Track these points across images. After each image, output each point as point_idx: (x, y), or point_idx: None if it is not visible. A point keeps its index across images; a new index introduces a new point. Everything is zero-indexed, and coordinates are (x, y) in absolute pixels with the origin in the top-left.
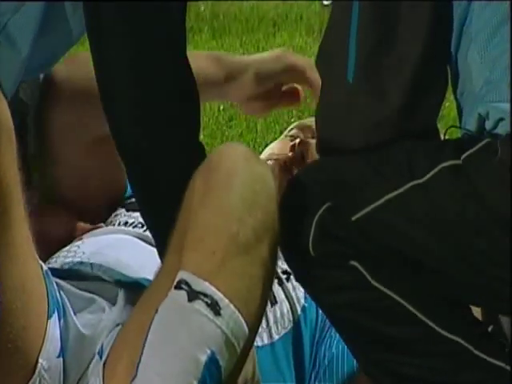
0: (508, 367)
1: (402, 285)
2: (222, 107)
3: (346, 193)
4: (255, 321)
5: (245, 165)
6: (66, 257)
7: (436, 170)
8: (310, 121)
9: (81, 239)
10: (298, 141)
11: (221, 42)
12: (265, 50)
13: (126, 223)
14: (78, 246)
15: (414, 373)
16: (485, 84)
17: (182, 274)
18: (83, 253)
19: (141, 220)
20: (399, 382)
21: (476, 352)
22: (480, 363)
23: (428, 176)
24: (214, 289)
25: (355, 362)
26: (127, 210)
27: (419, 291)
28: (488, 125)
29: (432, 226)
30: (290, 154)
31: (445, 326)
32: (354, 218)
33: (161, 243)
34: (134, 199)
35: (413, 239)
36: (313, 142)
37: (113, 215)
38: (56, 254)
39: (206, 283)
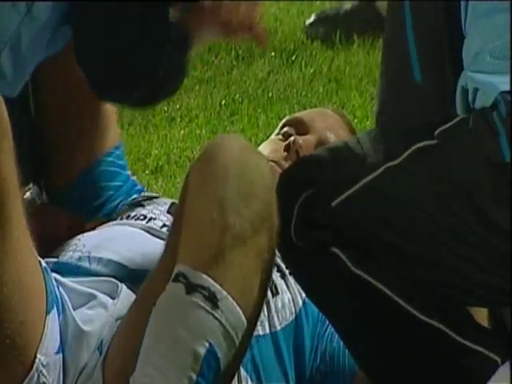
0: (492, 354)
1: (381, 271)
2: (223, 102)
3: (326, 179)
4: (254, 312)
5: (240, 156)
6: (66, 250)
7: (410, 151)
8: (302, 114)
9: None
10: (292, 139)
11: (222, 38)
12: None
13: (128, 216)
14: (79, 239)
15: (401, 363)
16: (474, 56)
17: (179, 267)
18: (84, 245)
19: (142, 212)
20: (385, 370)
21: (458, 338)
22: (462, 349)
23: (402, 157)
24: (211, 281)
25: None
26: (129, 207)
27: (399, 277)
28: (469, 97)
29: (404, 207)
30: (285, 154)
31: (425, 312)
32: (333, 204)
33: None
34: (135, 200)
35: (387, 221)
36: (307, 138)
37: (116, 213)
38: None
39: (204, 275)
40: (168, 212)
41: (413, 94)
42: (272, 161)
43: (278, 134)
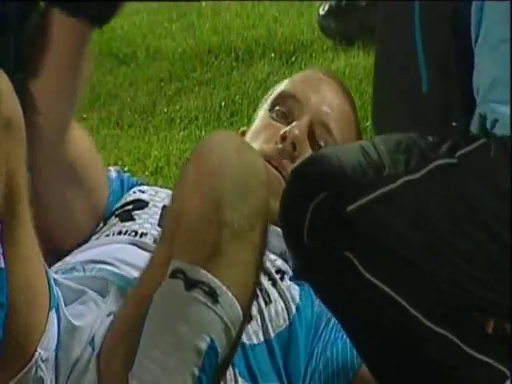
0: (501, 366)
1: (392, 278)
2: (223, 103)
3: (344, 183)
4: (248, 306)
5: (235, 152)
6: (59, 266)
7: (429, 167)
8: (295, 89)
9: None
10: (288, 129)
11: (222, 38)
12: (266, 46)
13: (119, 232)
14: (73, 256)
15: (405, 364)
16: (491, 83)
17: (176, 263)
18: (76, 261)
19: (133, 228)
20: (391, 373)
21: (464, 346)
22: (468, 359)
23: (421, 173)
24: (210, 276)
25: (349, 366)
26: (121, 221)
27: (409, 285)
28: (487, 125)
29: (418, 223)
30: (280, 146)
31: (430, 318)
32: (349, 209)
33: None
34: (126, 208)
35: (399, 234)
36: (301, 125)
37: (107, 225)
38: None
39: (203, 271)
40: (159, 225)
41: (422, 106)
42: (267, 155)
43: (270, 109)
